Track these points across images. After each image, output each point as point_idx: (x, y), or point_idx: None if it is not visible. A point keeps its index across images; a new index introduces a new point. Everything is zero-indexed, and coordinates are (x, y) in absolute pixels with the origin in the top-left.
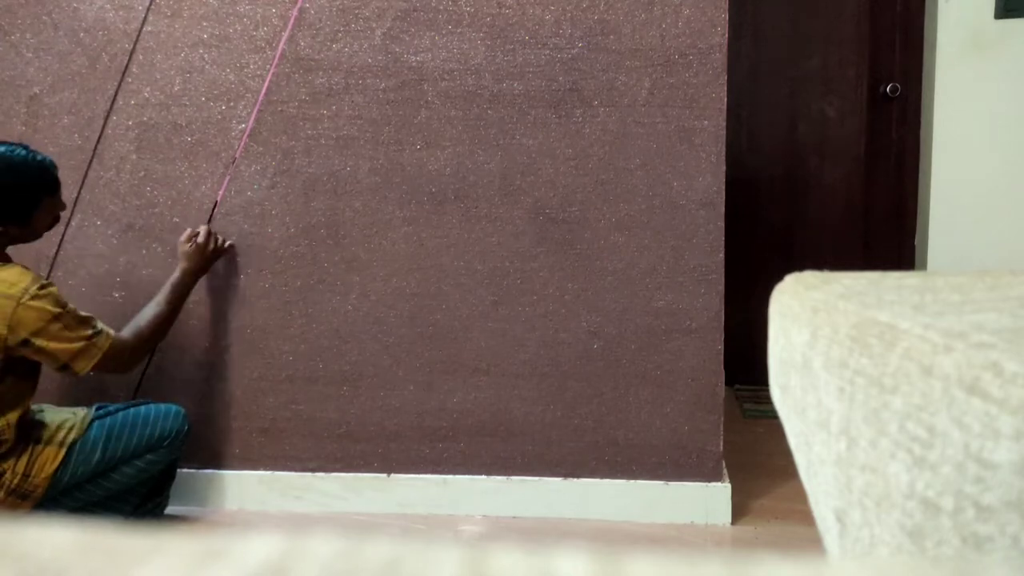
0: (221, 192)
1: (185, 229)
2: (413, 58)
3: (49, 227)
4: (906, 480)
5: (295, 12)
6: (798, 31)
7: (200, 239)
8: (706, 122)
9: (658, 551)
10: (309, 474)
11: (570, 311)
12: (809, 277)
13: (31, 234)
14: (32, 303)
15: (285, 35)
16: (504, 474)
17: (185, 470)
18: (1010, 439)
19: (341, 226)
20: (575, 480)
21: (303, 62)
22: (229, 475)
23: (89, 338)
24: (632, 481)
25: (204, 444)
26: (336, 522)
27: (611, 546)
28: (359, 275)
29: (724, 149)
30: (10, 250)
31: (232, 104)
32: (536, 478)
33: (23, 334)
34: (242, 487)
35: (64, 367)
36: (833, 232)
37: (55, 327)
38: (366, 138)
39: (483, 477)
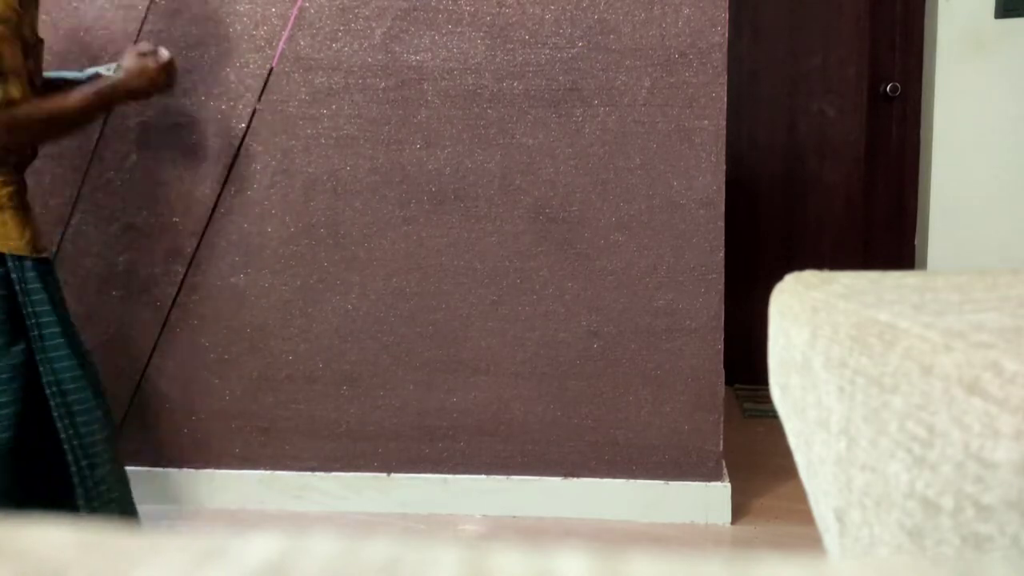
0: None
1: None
2: (413, 57)
3: None
4: (906, 479)
5: (295, 12)
6: (798, 31)
7: (154, 62)
8: (706, 122)
9: (658, 551)
10: (309, 474)
11: (570, 311)
12: (809, 277)
13: None
14: None
15: (285, 35)
16: (504, 474)
17: (185, 470)
18: (1010, 439)
19: (341, 226)
20: (575, 480)
21: (303, 62)
22: (229, 475)
23: None
24: (632, 481)
25: (204, 444)
26: (336, 522)
27: (611, 546)
28: (359, 275)
29: (724, 149)
30: None
31: (232, 104)
32: (536, 478)
33: None
34: (242, 487)
35: None
36: (833, 232)
37: None
38: (366, 138)
39: (483, 477)
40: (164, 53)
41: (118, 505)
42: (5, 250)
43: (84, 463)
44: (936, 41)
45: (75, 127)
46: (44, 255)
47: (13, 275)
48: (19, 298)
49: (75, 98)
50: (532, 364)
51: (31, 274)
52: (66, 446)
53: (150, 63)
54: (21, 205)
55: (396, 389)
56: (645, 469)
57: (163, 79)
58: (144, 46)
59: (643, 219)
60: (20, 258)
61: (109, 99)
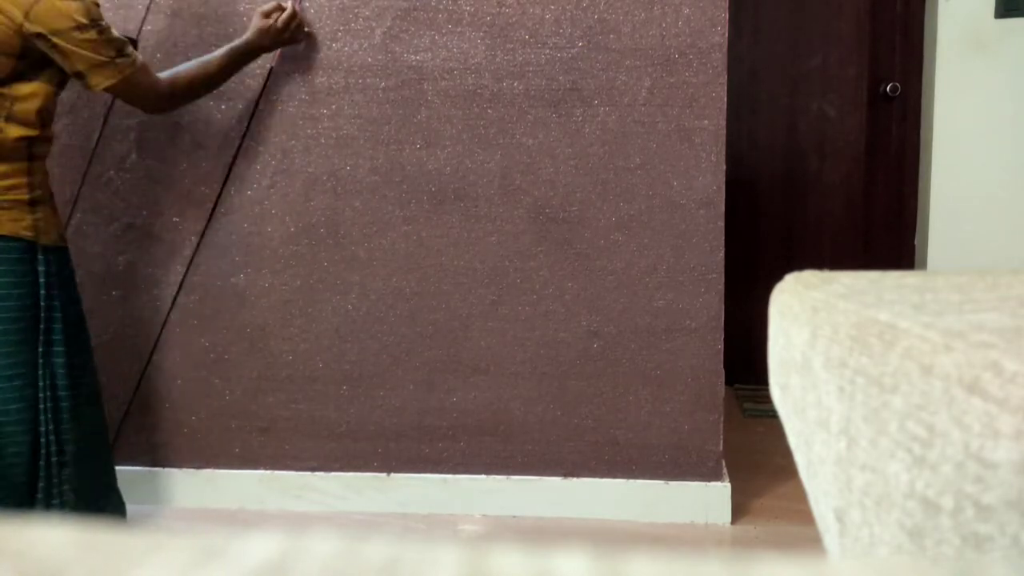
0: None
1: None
2: (413, 57)
3: None
4: (906, 479)
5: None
6: (798, 31)
7: (279, 22)
8: (706, 122)
9: (658, 551)
10: (309, 474)
11: (570, 311)
12: (809, 277)
13: None
14: (57, 1)
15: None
16: (504, 474)
17: (185, 469)
18: (1010, 439)
19: (341, 226)
20: (575, 480)
21: (303, 62)
22: (229, 475)
23: (112, 58)
24: (632, 481)
25: (204, 444)
26: (336, 522)
27: (611, 546)
28: (359, 275)
29: (724, 149)
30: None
31: (232, 104)
32: (536, 478)
33: (38, 28)
34: (242, 487)
35: (79, 75)
36: (833, 232)
37: (77, 35)
38: (366, 137)
39: (483, 477)
40: (287, 11)
41: (73, 509)
42: (48, 243)
43: (55, 459)
44: (936, 41)
45: (215, 86)
46: (65, 244)
47: (41, 268)
48: (41, 291)
49: (215, 62)
50: (532, 364)
51: (60, 264)
52: (43, 439)
53: (274, 23)
54: (52, 198)
55: (396, 389)
56: (645, 469)
57: (286, 35)
58: (269, 5)
59: (643, 219)
60: (56, 249)
61: (242, 57)
